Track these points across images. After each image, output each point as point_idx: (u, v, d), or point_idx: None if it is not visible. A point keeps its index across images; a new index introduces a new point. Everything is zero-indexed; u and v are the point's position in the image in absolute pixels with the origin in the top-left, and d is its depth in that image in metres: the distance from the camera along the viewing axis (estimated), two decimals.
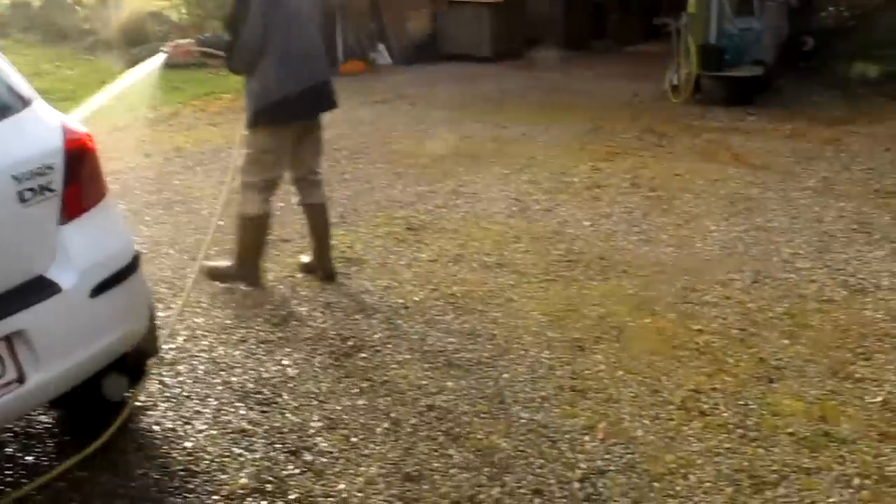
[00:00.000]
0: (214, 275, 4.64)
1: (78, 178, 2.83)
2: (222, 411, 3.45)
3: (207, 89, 10.10)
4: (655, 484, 2.87)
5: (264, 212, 4.48)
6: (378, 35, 12.00)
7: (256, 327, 4.18)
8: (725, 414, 3.26)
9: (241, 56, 4.17)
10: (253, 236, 4.50)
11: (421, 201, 5.98)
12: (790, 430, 3.14)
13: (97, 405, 3.27)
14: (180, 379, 3.73)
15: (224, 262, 4.66)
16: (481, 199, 5.95)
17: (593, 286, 4.48)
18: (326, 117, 4.55)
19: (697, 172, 6.39)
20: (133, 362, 3.31)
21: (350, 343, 3.96)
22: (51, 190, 2.72)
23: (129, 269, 3.09)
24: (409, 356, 3.80)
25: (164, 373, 3.78)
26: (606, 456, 3.02)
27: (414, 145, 7.56)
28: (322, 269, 4.72)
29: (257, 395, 3.55)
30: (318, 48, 4.43)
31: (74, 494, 2.92)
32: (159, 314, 4.33)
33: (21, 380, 2.61)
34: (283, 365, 3.80)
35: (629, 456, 3.01)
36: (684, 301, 4.28)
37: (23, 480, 2.97)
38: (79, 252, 2.83)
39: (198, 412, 3.45)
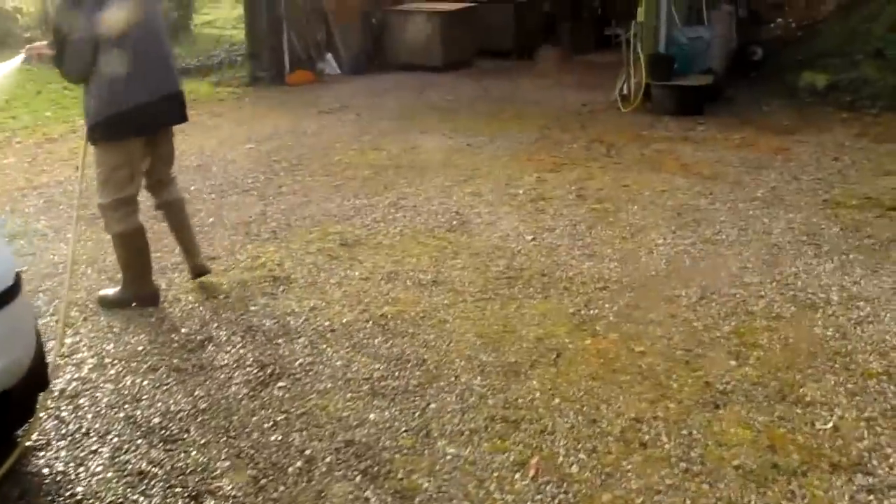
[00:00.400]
0: (108, 303, 4.40)
1: None
2: (122, 450, 3.15)
3: None
4: None
5: (133, 226, 4.26)
6: (326, 45, 11.73)
7: (170, 354, 3.88)
8: (668, 445, 3.02)
9: (69, 66, 4.00)
10: (130, 253, 4.30)
11: (358, 215, 5.70)
12: (736, 462, 2.92)
13: None
14: (80, 413, 3.42)
15: (115, 289, 4.45)
16: (421, 213, 5.69)
17: (533, 305, 4.24)
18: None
19: (645, 183, 6.20)
20: (19, 398, 2.99)
21: (269, 370, 3.67)
22: None
23: (9, 294, 2.79)
24: (330, 385, 3.52)
25: (63, 406, 3.47)
26: (538, 496, 2.76)
27: (356, 157, 7.28)
28: (191, 267, 4.54)
29: (162, 431, 3.25)
30: (165, 59, 4.26)
31: None
32: (67, 340, 4.02)
33: None
34: (194, 396, 3.50)
35: (562, 496, 2.75)
36: (627, 320, 4.05)
37: None
38: None
39: (94, 451, 3.14)
